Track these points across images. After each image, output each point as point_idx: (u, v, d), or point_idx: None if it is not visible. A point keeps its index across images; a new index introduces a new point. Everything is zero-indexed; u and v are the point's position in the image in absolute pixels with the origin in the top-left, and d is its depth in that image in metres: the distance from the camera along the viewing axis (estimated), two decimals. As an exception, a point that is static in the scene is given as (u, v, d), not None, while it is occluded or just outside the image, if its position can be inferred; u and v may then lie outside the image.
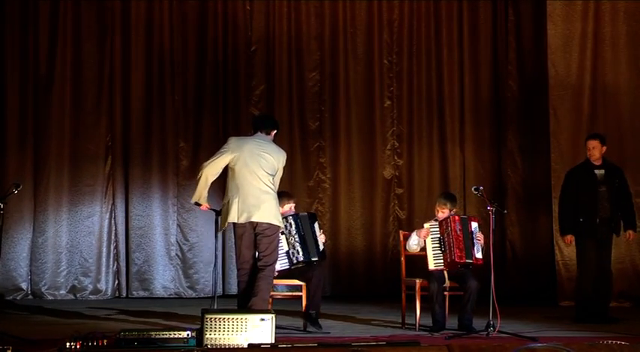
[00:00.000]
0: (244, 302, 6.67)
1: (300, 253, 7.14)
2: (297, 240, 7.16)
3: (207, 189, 6.79)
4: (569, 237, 7.93)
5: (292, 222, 7.19)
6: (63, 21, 10.26)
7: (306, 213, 7.49)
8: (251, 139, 6.92)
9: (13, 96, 10.12)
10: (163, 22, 10.46)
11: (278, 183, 6.94)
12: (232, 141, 6.88)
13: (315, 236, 7.25)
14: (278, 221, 6.77)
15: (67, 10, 10.26)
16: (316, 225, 7.33)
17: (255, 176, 6.72)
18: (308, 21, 10.66)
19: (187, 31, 10.50)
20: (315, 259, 7.18)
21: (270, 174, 6.78)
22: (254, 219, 6.67)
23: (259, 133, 6.96)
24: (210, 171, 6.76)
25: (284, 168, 7.00)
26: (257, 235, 6.75)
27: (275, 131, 7.05)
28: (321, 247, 7.27)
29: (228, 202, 6.74)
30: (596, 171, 7.94)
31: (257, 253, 6.83)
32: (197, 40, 10.52)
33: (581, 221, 7.83)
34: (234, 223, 6.74)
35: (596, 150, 7.95)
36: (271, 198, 6.75)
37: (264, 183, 6.73)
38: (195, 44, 10.51)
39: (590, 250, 7.85)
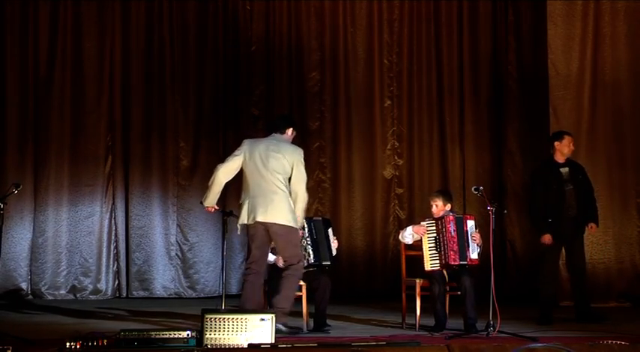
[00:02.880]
0: (244, 303, 6.67)
1: (312, 256, 7.13)
2: (309, 243, 7.17)
3: (218, 191, 6.80)
4: (548, 237, 7.74)
5: (305, 226, 7.18)
6: (63, 21, 10.26)
7: (320, 218, 7.49)
8: (264, 140, 6.92)
9: (13, 96, 10.13)
10: (163, 22, 10.47)
11: (300, 182, 6.76)
12: (245, 144, 6.88)
13: (329, 241, 7.27)
14: (287, 220, 6.69)
15: (67, 10, 10.27)
16: (330, 231, 7.34)
17: (264, 177, 6.71)
18: (308, 21, 10.66)
19: (187, 31, 10.51)
20: (327, 263, 7.19)
21: (282, 175, 6.73)
22: (260, 219, 6.66)
23: (274, 134, 6.95)
24: (223, 173, 6.78)
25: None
26: (273, 237, 6.75)
27: (291, 128, 6.99)
28: (334, 252, 7.28)
29: (240, 204, 6.80)
30: (561, 170, 7.88)
31: (276, 256, 7.02)
32: (197, 40, 10.52)
33: (549, 221, 7.77)
34: (246, 225, 6.77)
35: (572, 147, 7.93)
36: (280, 199, 6.68)
37: (274, 183, 6.69)
38: (195, 44, 10.51)
39: (555, 251, 7.83)
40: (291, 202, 6.76)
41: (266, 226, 6.71)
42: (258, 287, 6.81)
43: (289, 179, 6.78)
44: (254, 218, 6.68)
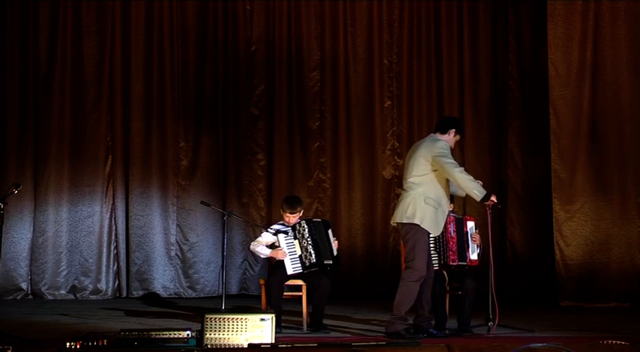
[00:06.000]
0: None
1: (313, 255, 7.12)
2: (309, 242, 7.15)
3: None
4: None
5: (305, 226, 7.19)
6: (63, 21, 10.26)
7: (320, 220, 7.49)
8: (414, 146, 6.94)
9: (13, 96, 10.13)
10: (163, 21, 10.47)
11: (446, 172, 6.58)
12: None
13: (329, 241, 7.25)
14: (407, 218, 6.63)
15: (67, 10, 10.27)
16: (330, 232, 7.33)
17: (404, 180, 6.81)
18: (308, 21, 10.66)
19: (187, 31, 10.51)
20: (329, 263, 7.17)
21: (413, 175, 6.68)
22: (393, 221, 6.84)
23: (432, 134, 6.96)
24: None
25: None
26: None
27: (453, 130, 6.89)
28: (335, 253, 7.27)
29: None
30: None
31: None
32: (197, 40, 10.52)
33: None
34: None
35: None
36: (406, 197, 6.70)
37: (405, 185, 6.76)
38: (195, 44, 10.51)
39: None
40: (422, 200, 6.60)
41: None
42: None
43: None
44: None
